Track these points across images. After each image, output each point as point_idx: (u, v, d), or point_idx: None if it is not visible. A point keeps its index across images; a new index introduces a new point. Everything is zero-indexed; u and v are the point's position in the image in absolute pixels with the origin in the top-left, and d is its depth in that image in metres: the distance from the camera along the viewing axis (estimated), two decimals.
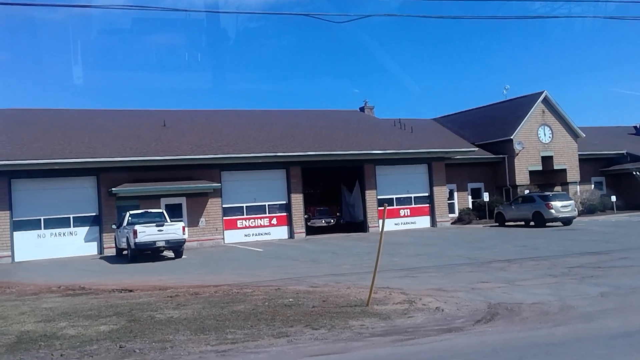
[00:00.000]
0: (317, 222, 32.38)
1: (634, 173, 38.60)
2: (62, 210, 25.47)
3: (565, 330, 8.13)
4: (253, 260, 20.44)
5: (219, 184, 27.78)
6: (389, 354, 7.25)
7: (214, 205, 27.93)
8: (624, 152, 40.23)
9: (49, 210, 25.25)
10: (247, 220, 28.84)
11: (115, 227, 24.14)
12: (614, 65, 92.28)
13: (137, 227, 21.03)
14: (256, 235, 28.79)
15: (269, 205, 29.31)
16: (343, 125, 34.64)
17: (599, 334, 7.72)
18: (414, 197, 32.35)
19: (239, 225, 28.61)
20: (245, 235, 28.55)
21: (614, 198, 36.84)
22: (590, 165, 39.31)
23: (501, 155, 36.31)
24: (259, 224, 29.01)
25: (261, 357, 7.34)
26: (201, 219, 27.62)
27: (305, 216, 30.54)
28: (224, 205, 28.25)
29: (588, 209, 36.11)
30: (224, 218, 28.22)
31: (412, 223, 31.95)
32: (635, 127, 46.49)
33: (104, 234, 25.76)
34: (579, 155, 37.58)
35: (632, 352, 6.66)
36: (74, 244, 25.57)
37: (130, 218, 22.49)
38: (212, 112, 36.04)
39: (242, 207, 28.80)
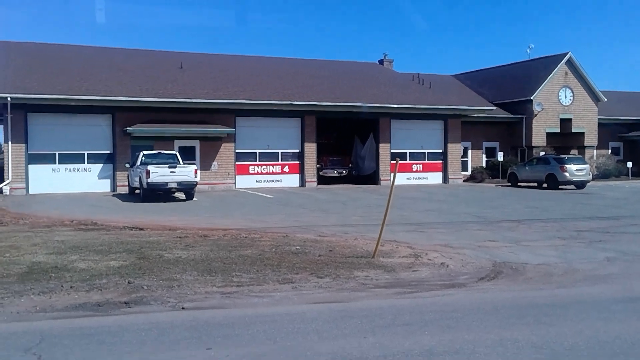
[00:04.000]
0: (329, 172, 32.44)
1: None
2: (77, 146, 25.70)
3: (568, 292, 8.18)
4: (263, 207, 20.61)
5: (233, 129, 27.78)
6: (390, 305, 7.35)
7: (227, 150, 28.02)
8: None
9: (64, 146, 25.50)
10: (260, 167, 28.95)
11: (128, 166, 24.35)
12: None
13: (150, 167, 21.19)
14: (267, 182, 28.95)
15: (282, 152, 29.36)
16: (361, 77, 34.25)
17: (600, 298, 7.76)
18: (428, 152, 32.21)
19: (251, 171, 28.75)
20: (257, 182, 28.72)
21: (630, 164, 36.46)
22: (609, 130, 38.76)
23: (519, 116, 35.85)
24: (271, 171, 29.14)
25: (265, 301, 7.47)
26: (214, 163, 27.76)
27: (318, 165, 30.60)
28: (237, 151, 28.33)
29: (603, 174, 35.82)
30: (237, 163, 28.34)
31: (424, 178, 31.92)
32: None
33: (117, 172, 26.04)
34: (599, 119, 37.02)
35: (631, 318, 6.70)
36: (88, 180, 25.91)
37: (143, 158, 22.64)
38: (230, 57, 35.72)
39: (255, 153, 28.87)
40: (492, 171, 34.46)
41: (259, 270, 9.12)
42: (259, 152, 28.94)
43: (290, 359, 5.07)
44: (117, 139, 26.24)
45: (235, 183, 28.18)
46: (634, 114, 40.08)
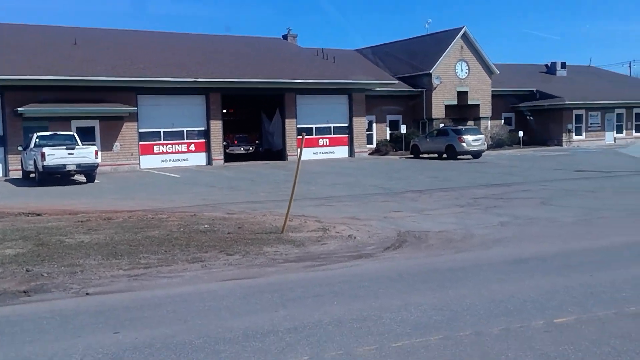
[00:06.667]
0: (236, 150, 32.20)
1: (528, 116, 40.62)
2: None
3: (466, 256, 8.66)
4: (169, 186, 20.18)
5: (135, 108, 26.84)
6: (300, 279, 7.49)
7: (129, 130, 27.05)
8: (534, 89, 41.94)
9: None
10: (165, 146, 28.21)
11: (21, 149, 22.96)
12: (531, 6, 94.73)
13: (45, 149, 20.11)
14: (173, 161, 28.28)
15: (187, 131, 28.72)
16: (265, 53, 33.99)
17: (496, 261, 8.28)
18: (334, 127, 32.60)
19: (155, 151, 27.96)
20: (162, 161, 27.99)
21: (521, 133, 38.62)
22: (502, 101, 40.76)
23: (420, 89, 36.97)
24: (177, 150, 28.47)
25: (175, 281, 7.40)
26: (116, 143, 26.74)
27: (224, 143, 30.25)
28: (140, 130, 27.42)
29: (497, 143, 37.73)
30: (140, 143, 27.45)
31: (330, 153, 32.34)
32: (546, 66, 48.32)
33: (9, 156, 24.50)
34: (492, 91, 38.84)
35: (524, 277, 7.20)
36: None
37: (37, 140, 21.39)
38: (129, 32, 34.31)
39: (160, 132, 28.08)
40: (396, 143, 35.43)
41: (167, 250, 8.99)
42: (164, 131, 28.15)
43: (202, 337, 5.07)
44: (7, 121, 24.63)
45: (139, 163, 27.31)
46: (524, 85, 42.35)
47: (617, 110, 43.04)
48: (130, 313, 5.98)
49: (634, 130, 44.13)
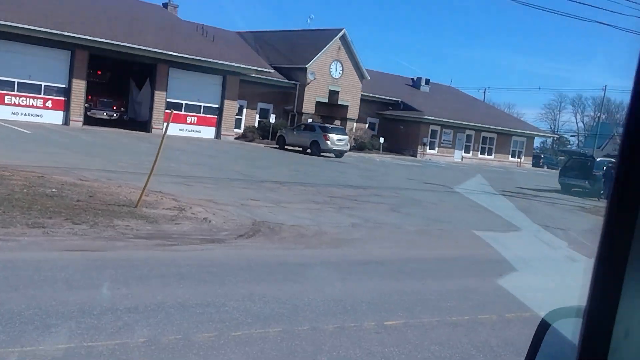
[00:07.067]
0: (98, 114, 30.47)
1: (401, 127, 42.75)
2: None
3: (315, 253, 9.01)
4: (17, 142, 18.76)
5: None
6: (148, 257, 7.38)
7: None
8: (399, 100, 44.07)
9: None
10: (18, 98, 26.06)
11: None
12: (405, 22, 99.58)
13: None
14: (26, 115, 26.20)
15: (45, 85, 26.75)
16: (143, 18, 32.53)
17: (341, 260, 8.70)
18: (204, 106, 32.03)
19: (6, 102, 25.75)
20: (13, 114, 25.83)
21: (382, 139, 40.36)
22: (369, 106, 42.34)
23: (294, 82, 37.38)
24: (31, 104, 26.40)
25: (9, 245, 6.97)
26: None
27: (86, 105, 28.57)
28: None
29: (359, 146, 39.16)
30: None
31: (197, 132, 31.72)
32: (412, 79, 50.94)
33: None
34: (362, 95, 40.28)
35: (364, 279, 7.65)
36: None
37: None
38: None
39: (14, 82, 25.89)
40: (263, 132, 35.56)
41: (5, 211, 8.41)
42: (18, 82, 25.97)
43: (33, 309, 4.84)
44: None
45: None
46: (390, 94, 44.33)
47: (468, 131, 46.42)
48: None
49: (479, 152, 47.86)
